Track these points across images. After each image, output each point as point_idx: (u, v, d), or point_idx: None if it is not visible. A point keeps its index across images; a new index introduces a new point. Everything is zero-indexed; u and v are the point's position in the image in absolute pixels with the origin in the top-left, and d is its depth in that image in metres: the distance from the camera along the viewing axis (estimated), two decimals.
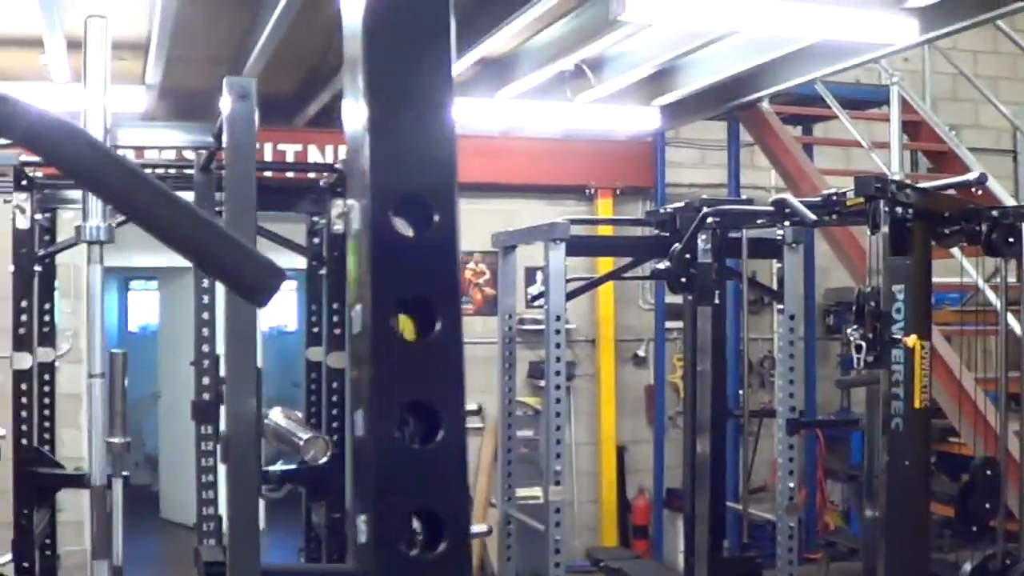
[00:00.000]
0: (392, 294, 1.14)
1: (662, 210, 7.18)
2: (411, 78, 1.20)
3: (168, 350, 12.13)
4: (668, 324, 10.70)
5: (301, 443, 3.05)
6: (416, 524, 1.14)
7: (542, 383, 6.97)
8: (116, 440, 4.70)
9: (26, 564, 5.73)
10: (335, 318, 6.05)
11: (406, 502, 1.13)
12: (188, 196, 5.77)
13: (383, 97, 1.18)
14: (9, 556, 5.75)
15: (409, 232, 1.18)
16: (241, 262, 1.24)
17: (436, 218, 1.18)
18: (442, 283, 1.17)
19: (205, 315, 5.59)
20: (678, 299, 6.85)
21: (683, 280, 6.30)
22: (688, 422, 6.61)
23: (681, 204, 6.75)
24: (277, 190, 7.15)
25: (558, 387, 6.65)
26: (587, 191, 11.15)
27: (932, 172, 9.91)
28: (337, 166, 6.57)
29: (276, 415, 3.27)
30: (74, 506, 8.32)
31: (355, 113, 1.21)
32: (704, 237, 6.24)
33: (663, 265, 6.35)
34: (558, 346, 6.65)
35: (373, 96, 1.17)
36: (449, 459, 1.15)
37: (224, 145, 3.47)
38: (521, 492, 8.18)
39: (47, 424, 6.48)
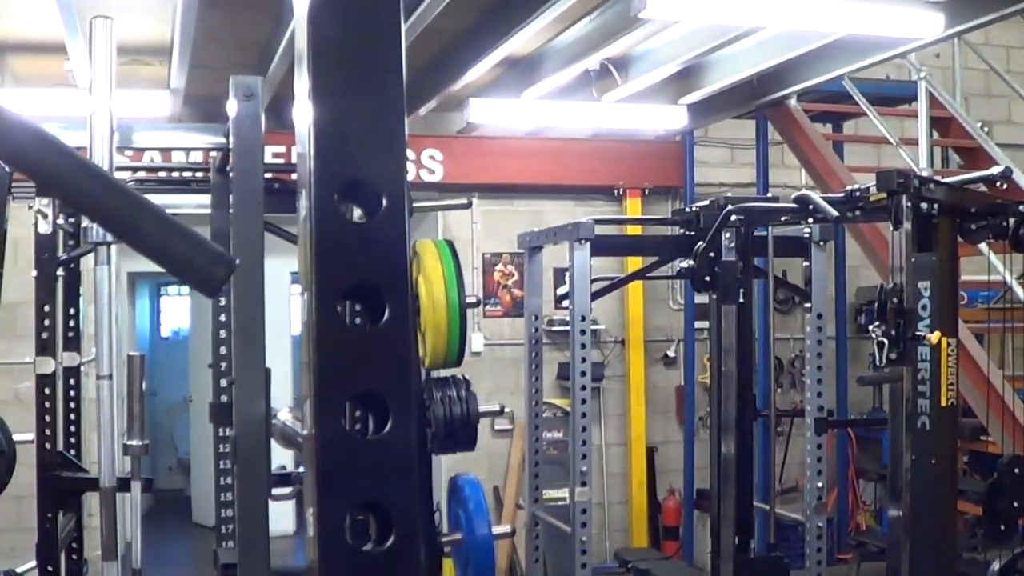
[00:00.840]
0: (338, 281, 1.10)
1: (687, 209, 7.12)
2: (358, 61, 1.15)
3: (199, 355, 12.14)
4: (698, 324, 10.64)
5: (303, 442, 3.02)
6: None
7: (570, 384, 6.94)
8: (134, 443, 4.68)
9: (51, 568, 5.72)
10: None
11: (352, 495, 1.10)
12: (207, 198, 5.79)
13: (327, 79, 1.14)
14: (34, 562, 5.74)
15: (357, 218, 1.14)
16: (192, 253, 1.21)
17: (384, 203, 1.14)
18: (391, 271, 1.13)
19: (222, 317, 5.58)
20: (707, 299, 6.79)
21: (707, 279, 6.24)
22: (714, 422, 6.55)
23: (706, 202, 6.70)
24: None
25: (584, 388, 6.63)
26: (616, 191, 11.10)
27: (963, 169, 9.80)
28: None
29: (284, 415, 3.25)
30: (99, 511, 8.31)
31: (302, 99, 1.18)
32: (728, 235, 6.18)
33: (687, 264, 6.29)
34: (584, 346, 6.62)
35: (318, 77, 1.13)
36: (397, 452, 1.11)
37: (231, 145, 3.45)
38: (551, 493, 8.15)
39: (72, 428, 6.49)
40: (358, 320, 1.19)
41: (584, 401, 6.62)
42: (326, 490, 1.08)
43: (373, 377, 1.12)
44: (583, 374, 6.62)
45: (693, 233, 6.59)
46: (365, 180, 1.13)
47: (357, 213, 1.18)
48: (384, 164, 1.15)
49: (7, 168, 5.87)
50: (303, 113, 1.19)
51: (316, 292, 1.12)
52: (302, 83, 1.21)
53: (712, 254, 6.13)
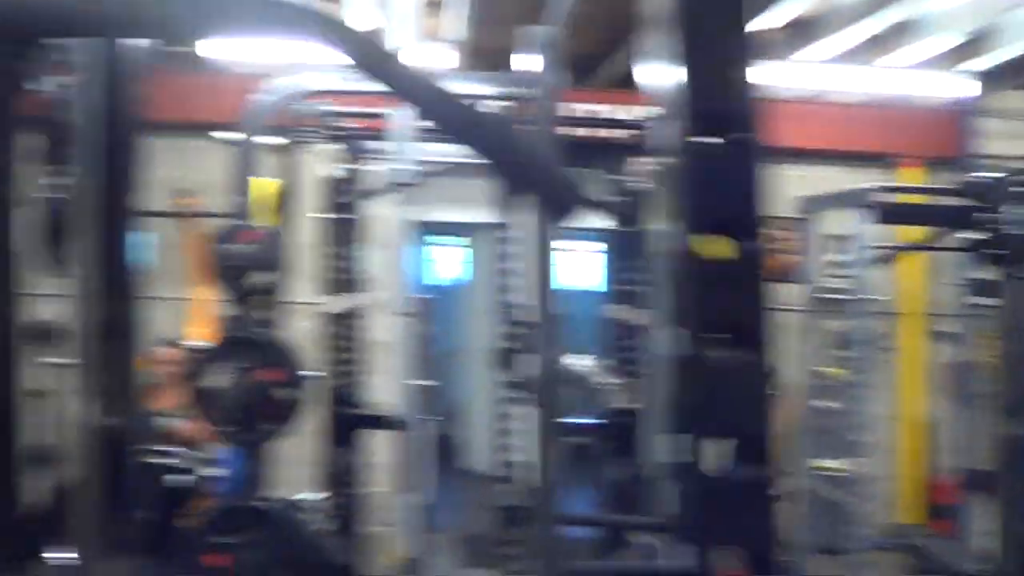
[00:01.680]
0: (702, 216, 1.15)
1: (977, 180, 6.87)
2: (711, 20, 1.22)
3: (474, 304, 12.45)
4: (978, 300, 10.27)
5: (615, 390, 3.07)
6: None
7: (844, 354, 6.83)
8: (420, 383, 4.83)
9: (339, 500, 5.95)
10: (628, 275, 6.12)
11: (717, 424, 1.13)
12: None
13: (687, 36, 1.20)
14: (325, 493, 5.98)
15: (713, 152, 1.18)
16: (546, 179, 1.28)
17: (740, 143, 1.20)
18: (746, 205, 1.17)
19: (509, 265, 5.69)
20: (988, 274, 6.57)
21: (999, 253, 6.04)
22: (999, 402, 6.35)
23: (1001, 174, 6.45)
24: (576, 146, 7.19)
25: (861, 358, 6.51)
26: (890, 159, 10.78)
27: None
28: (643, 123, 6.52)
29: (570, 360, 3.31)
30: (381, 448, 8.53)
31: (662, 55, 1.25)
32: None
33: (976, 237, 6.10)
34: (862, 316, 6.50)
35: (679, 33, 1.19)
36: (752, 381, 1.14)
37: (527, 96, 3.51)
38: (821, 463, 8.05)
39: (354, 368, 6.72)
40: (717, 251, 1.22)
41: (862, 372, 6.50)
42: (692, 419, 1.12)
43: (739, 309, 1.15)
44: (862, 344, 6.50)
45: (984, 205, 6.36)
46: (722, 113, 1.17)
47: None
48: (737, 99, 1.20)
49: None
50: (663, 69, 1.24)
51: (684, 226, 1.16)
52: (658, 41, 1.27)
53: (1004, 228, 5.93)
